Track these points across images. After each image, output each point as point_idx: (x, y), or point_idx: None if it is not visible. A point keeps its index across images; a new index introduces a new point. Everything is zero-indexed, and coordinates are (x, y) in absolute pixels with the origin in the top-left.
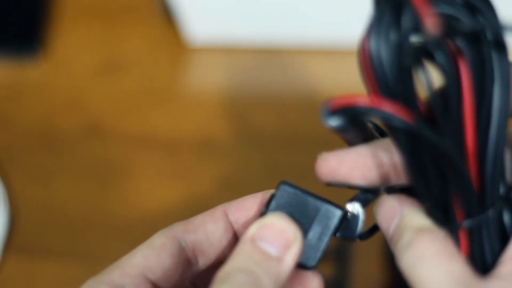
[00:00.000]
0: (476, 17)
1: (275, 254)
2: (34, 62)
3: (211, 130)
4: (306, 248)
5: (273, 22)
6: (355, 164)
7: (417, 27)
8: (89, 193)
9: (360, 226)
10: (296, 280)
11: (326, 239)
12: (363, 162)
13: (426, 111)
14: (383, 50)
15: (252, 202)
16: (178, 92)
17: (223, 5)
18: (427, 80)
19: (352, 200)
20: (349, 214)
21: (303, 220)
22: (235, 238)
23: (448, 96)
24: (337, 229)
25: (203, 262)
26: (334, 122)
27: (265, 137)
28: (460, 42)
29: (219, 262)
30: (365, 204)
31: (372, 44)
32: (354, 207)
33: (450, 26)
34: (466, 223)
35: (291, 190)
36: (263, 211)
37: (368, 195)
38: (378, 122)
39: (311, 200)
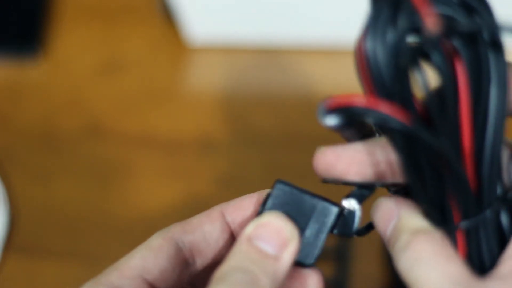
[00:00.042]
0: (472, 17)
1: (272, 253)
2: (34, 62)
3: (211, 130)
4: (303, 246)
5: (272, 22)
6: (352, 160)
7: (414, 27)
8: (89, 193)
9: (357, 222)
10: (295, 278)
11: (323, 237)
12: (360, 159)
13: (422, 111)
14: (379, 51)
15: (248, 202)
16: (178, 92)
17: (223, 5)
18: (423, 80)
19: (348, 196)
20: (345, 210)
21: (300, 218)
22: (232, 238)
23: (444, 97)
24: (334, 226)
25: (200, 262)
26: (330, 121)
27: (264, 137)
28: (456, 42)
29: (217, 262)
30: (361, 200)
31: (369, 45)
32: (350, 204)
33: (446, 26)
34: (463, 224)
35: (287, 188)
36: (260, 211)
37: (364, 191)
38: (374, 122)
39: (307, 198)
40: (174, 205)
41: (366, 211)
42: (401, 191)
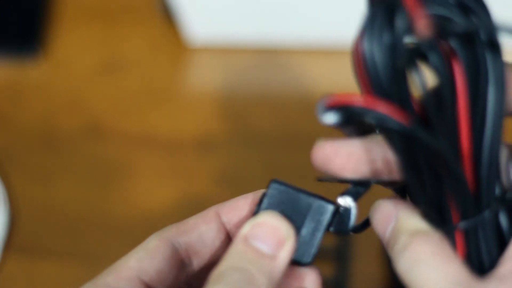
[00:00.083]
0: (469, 18)
1: (269, 252)
2: (34, 62)
3: (211, 130)
4: (300, 245)
5: (272, 22)
6: (349, 156)
7: (411, 28)
8: (89, 193)
9: (353, 219)
10: (293, 277)
11: (319, 235)
12: (358, 155)
13: (420, 112)
14: (376, 52)
15: (243, 202)
16: (178, 92)
17: (223, 5)
18: (421, 81)
19: (343, 194)
20: (341, 208)
21: (296, 217)
22: (228, 239)
23: (442, 97)
24: (330, 224)
25: (197, 263)
26: (329, 119)
27: (264, 137)
28: (453, 43)
29: (213, 262)
30: (356, 197)
31: (366, 46)
32: (346, 201)
33: (443, 27)
34: (462, 225)
35: (282, 188)
36: (256, 210)
37: (359, 189)
38: (372, 122)
39: (303, 196)
40: (174, 205)
41: (362, 208)
42: (399, 191)
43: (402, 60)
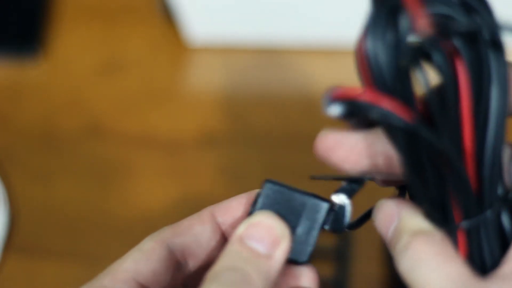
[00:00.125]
0: (472, 17)
1: (264, 252)
2: (34, 62)
3: (211, 130)
4: (296, 244)
5: (272, 22)
6: (352, 149)
7: (413, 28)
8: (89, 193)
9: (348, 216)
10: (290, 275)
11: (315, 233)
12: (361, 148)
13: (423, 111)
14: (380, 51)
15: (238, 203)
16: (178, 92)
17: (223, 5)
18: (424, 80)
19: (337, 191)
20: (335, 206)
21: (291, 216)
22: (224, 239)
23: (445, 96)
24: (325, 222)
25: (193, 264)
26: (334, 111)
27: (264, 137)
28: (457, 42)
29: (209, 263)
30: (351, 194)
31: (369, 45)
32: (340, 199)
33: (446, 26)
34: (464, 224)
35: (276, 187)
36: (250, 211)
37: (353, 186)
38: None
39: (297, 195)
40: (174, 205)
41: (357, 205)
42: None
43: (406, 59)
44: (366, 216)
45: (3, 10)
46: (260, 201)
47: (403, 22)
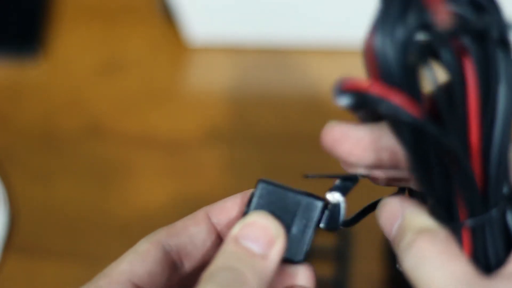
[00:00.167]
0: (481, 16)
1: (259, 252)
2: (34, 62)
3: (211, 130)
4: (291, 243)
5: (273, 22)
6: (358, 142)
7: (424, 25)
8: (89, 193)
9: (343, 214)
10: (286, 275)
11: (310, 232)
12: (367, 142)
13: (430, 108)
14: (388, 47)
15: (233, 203)
16: (178, 92)
17: (223, 5)
18: (432, 77)
19: (331, 189)
20: (330, 204)
21: (285, 215)
22: (219, 240)
23: (453, 93)
24: (319, 220)
25: (189, 265)
26: (344, 101)
27: (265, 137)
28: (465, 41)
29: (205, 264)
30: (345, 192)
31: (378, 41)
32: (334, 197)
33: (456, 24)
34: (469, 222)
35: (270, 187)
36: (245, 211)
37: (347, 183)
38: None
39: (291, 194)
40: (174, 205)
41: (352, 203)
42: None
43: (414, 56)
44: (362, 214)
45: (3, 10)
46: (255, 201)
47: (413, 19)
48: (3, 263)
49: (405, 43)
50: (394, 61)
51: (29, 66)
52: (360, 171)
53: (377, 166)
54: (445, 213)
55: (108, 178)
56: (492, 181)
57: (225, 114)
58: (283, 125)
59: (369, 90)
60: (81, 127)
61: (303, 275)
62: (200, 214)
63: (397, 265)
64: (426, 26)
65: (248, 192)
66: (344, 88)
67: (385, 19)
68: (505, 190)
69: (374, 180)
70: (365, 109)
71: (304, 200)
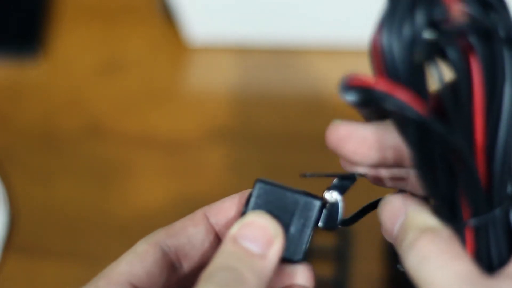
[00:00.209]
0: (489, 14)
1: (258, 251)
2: (34, 62)
3: (211, 130)
4: (289, 243)
5: (273, 22)
6: (363, 141)
7: (431, 22)
8: (89, 193)
9: (341, 213)
10: (285, 274)
11: (308, 231)
12: (371, 141)
13: (435, 106)
14: (395, 45)
15: (231, 203)
16: (178, 92)
17: (223, 5)
18: (438, 75)
19: (329, 188)
20: (328, 203)
21: (283, 215)
22: (218, 240)
23: (459, 92)
24: (318, 219)
25: (187, 265)
26: (350, 97)
27: (264, 136)
28: (472, 39)
29: (204, 264)
30: (343, 191)
31: (384, 38)
32: (332, 196)
33: (463, 23)
34: (472, 222)
35: (268, 186)
36: (243, 211)
37: (345, 182)
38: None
39: (289, 194)
40: (174, 205)
41: (351, 202)
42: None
43: (420, 54)
44: (361, 213)
45: (3, 10)
46: (253, 201)
47: (420, 17)
48: (3, 263)
49: (412, 40)
50: (400, 58)
51: (29, 66)
52: (363, 170)
53: (382, 164)
54: (448, 212)
55: (108, 178)
56: (496, 180)
57: (225, 114)
58: (283, 125)
59: (375, 86)
60: (81, 127)
61: (302, 274)
62: (198, 214)
63: (398, 265)
64: (433, 24)
65: (246, 192)
66: (350, 84)
67: (392, 16)
68: (509, 189)
69: (373, 180)
70: (370, 105)
71: (302, 199)
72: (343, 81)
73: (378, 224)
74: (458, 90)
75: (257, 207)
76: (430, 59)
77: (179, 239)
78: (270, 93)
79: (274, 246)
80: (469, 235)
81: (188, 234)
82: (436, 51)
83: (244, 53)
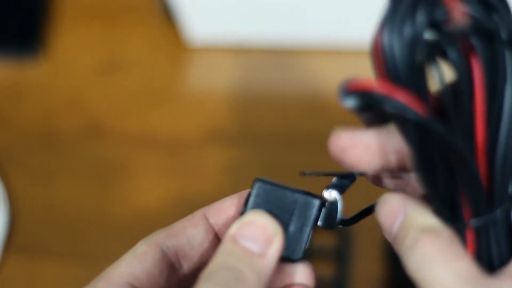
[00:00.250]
0: (491, 16)
1: (257, 251)
2: (34, 62)
3: (211, 130)
4: (289, 242)
5: (273, 22)
6: (366, 149)
7: (432, 23)
8: (89, 193)
9: (340, 212)
10: (285, 273)
11: (307, 230)
12: (374, 148)
13: (435, 106)
14: (396, 45)
15: (230, 203)
16: (178, 92)
17: (223, 5)
18: (439, 76)
19: (328, 187)
20: (327, 202)
21: (283, 214)
22: (217, 240)
23: (460, 92)
24: (317, 218)
25: (187, 266)
26: (350, 103)
27: (264, 137)
28: (473, 40)
29: (204, 264)
30: (342, 190)
31: (385, 38)
32: (331, 195)
33: (465, 24)
34: (473, 222)
35: (267, 186)
36: (242, 210)
37: (344, 181)
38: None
39: (288, 193)
40: (174, 205)
41: (350, 201)
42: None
43: (421, 54)
44: (361, 215)
45: (3, 10)
46: (252, 201)
47: (421, 17)
48: (3, 263)
49: (413, 40)
50: (401, 58)
51: (29, 66)
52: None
53: (385, 169)
54: (449, 213)
55: (108, 178)
56: (497, 181)
57: (225, 114)
58: (283, 125)
59: (374, 90)
60: (81, 127)
61: (302, 273)
62: (197, 215)
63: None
64: (434, 24)
65: (246, 192)
66: (349, 89)
67: (394, 16)
68: (510, 190)
69: (372, 179)
70: (371, 109)
71: (301, 198)
72: (342, 87)
73: (378, 224)
74: (459, 90)
75: (256, 206)
76: (431, 60)
77: (178, 239)
78: (270, 93)
79: (273, 245)
80: (470, 236)
81: (188, 235)
82: (437, 51)
83: (244, 53)
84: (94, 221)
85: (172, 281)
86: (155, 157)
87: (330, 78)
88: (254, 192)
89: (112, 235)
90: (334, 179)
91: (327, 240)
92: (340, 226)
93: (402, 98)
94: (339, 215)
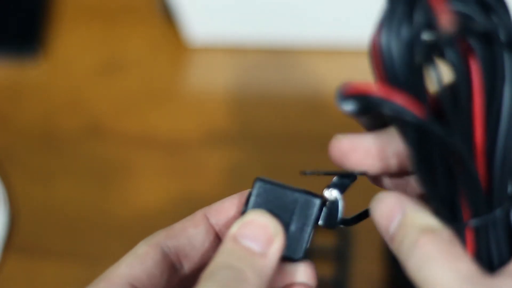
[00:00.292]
0: (489, 16)
1: (258, 250)
2: (34, 62)
3: (211, 130)
4: (290, 241)
5: (273, 22)
6: (367, 153)
7: (430, 24)
8: (89, 193)
9: (341, 212)
10: (286, 273)
11: (308, 230)
12: (375, 151)
13: (435, 107)
14: (394, 46)
15: (231, 203)
16: (178, 92)
17: (223, 5)
18: (437, 76)
19: (329, 186)
20: (328, 201)
21: (283, 213)
22: (218, 240)
23: (458, 93)
24: (318, 218)
25: (188, 266)
26: (347, 106)
27: (264, 137)
28: (472, 41)
29: (204, 265)
30: (343, 189)
31: (383, 39)
32: (332, 194)
33: (462, 25)
34: (472, 222)
35: (267, 185)
36: (243, 210)
37: (345, 180)
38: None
39: (289, 192)
40: (174, 205)
41: (351, 200)
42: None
43: (419, 55)
44: (362, 215)
45: (3, 10)
46: (252, 200)
47: (419, 18)
48: (3, 263)
49: (411, 42)
50: (399, 59)
51: (29, 66)
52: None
53: (386, 172)
54: (448, 213)
55: (108, 178)
56: (496, 181)
57: (225, 114)
58: (283, 125)
59: (371, 92)
60: (81, 127)
61: (303, 272)
62: (198, 215)
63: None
64: (432, 25)
65: (246, 192)
66: (346, 93)
67: (391, 17)
68: (509, 190)
69: (372, 179)
70: (369, 113)
71: (302, 197)
72: (339, 91)
73: None
74: (457, 92)
75: (257, 205)
76: (429, 61)
77: (179, 240)
78: (270, 93)
79: (274, 245)
80: (469, 236)
81: (188, 235)
82: (435, 52)
83: (244, 53)
84: (94, 221)
85: (173, 282)
86: (155, 157)
87: (330, 78)
88: (254, 192)
89: (112, 235)
90: (334, 179)
91: (327, 240)
92: (341, 225)
93: (399, 100)
94: (340, 215)
